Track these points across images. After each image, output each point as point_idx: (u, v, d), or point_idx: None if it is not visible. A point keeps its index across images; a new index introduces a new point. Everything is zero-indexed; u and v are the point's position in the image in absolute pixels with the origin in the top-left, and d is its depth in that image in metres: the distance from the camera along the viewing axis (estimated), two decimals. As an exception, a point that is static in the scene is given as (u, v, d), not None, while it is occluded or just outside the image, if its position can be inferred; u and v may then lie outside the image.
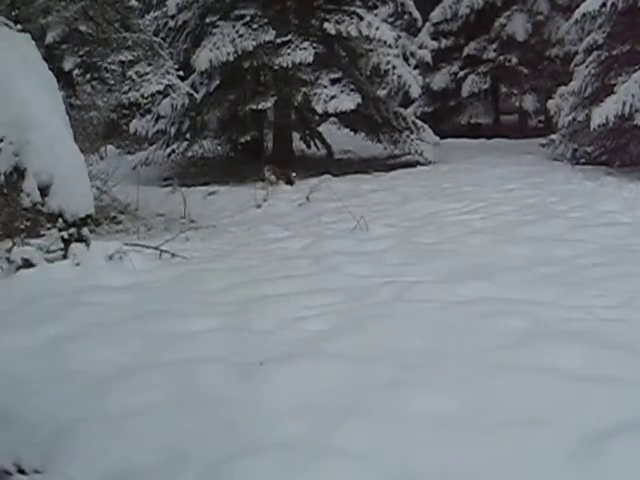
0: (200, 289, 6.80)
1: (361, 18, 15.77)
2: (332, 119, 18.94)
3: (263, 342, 5.09)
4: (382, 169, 16.81)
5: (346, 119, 17.69)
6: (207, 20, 16.67)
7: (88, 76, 15.54)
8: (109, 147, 21.19)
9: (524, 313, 5.44)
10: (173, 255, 8.60)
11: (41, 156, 2.38)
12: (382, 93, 18.47)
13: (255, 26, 15.91)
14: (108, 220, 12.34)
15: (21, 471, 2.71)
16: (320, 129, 19.49)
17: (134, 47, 10.77)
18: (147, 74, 10.96)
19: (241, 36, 15.74)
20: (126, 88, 10.91)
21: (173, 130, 16.87)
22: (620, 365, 4.31)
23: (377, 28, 15.61)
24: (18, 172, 2.37)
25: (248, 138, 17.16)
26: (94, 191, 12.28)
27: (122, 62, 10.67)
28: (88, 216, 2.35)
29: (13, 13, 11.19)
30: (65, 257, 8.10)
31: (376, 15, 16.71)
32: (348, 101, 15.65)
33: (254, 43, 15.69)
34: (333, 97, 15.73)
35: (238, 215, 12.73)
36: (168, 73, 11.12)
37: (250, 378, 4.39)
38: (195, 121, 17.03)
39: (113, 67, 12.30)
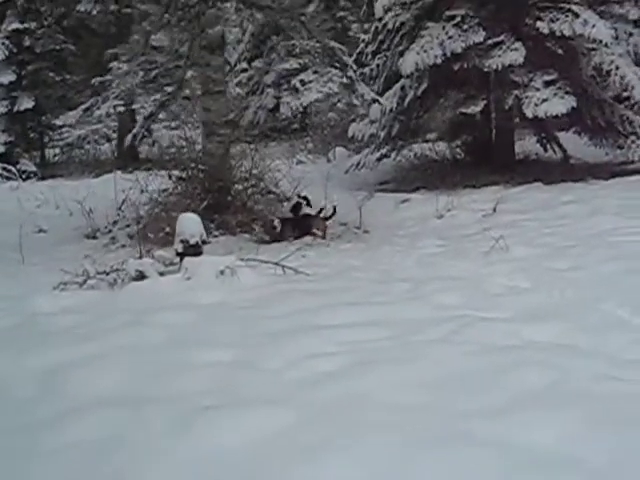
0: (269, 313, 6.59)
1: (577, 15, 14.65)
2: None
3: (251, 383, 4.83)
4: (603, 177, 15.53)
5: (568, 122, 16.63)
6: (421, 22, 16.30)
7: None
8: (340, 149, 21.53)
9: (559, 367, 4.74)
10: (297, 272, 8.47)
11: None
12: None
13: (465, 27, 15.33)
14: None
15: None
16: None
17: (300, 55, 10.72)
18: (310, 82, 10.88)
19: (450, 37, 15.23)
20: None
21: (382, 134, 16.71)
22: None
23: (593, 26, 14.44)
24: None
25: (458, 142, 16.67)
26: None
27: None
28: None
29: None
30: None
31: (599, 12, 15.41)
32: (560, 105, 14.63)
33: (463, 45, 15.13)
34: (544, 100, 14.77)
35: (418, 226, 12.34)
36: (331, 81, 10.96)
37: (192, 421, 4.17)
38: (406, 125, 16.76)
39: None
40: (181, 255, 8.30)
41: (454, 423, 3.99)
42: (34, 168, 24.38)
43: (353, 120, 18.58)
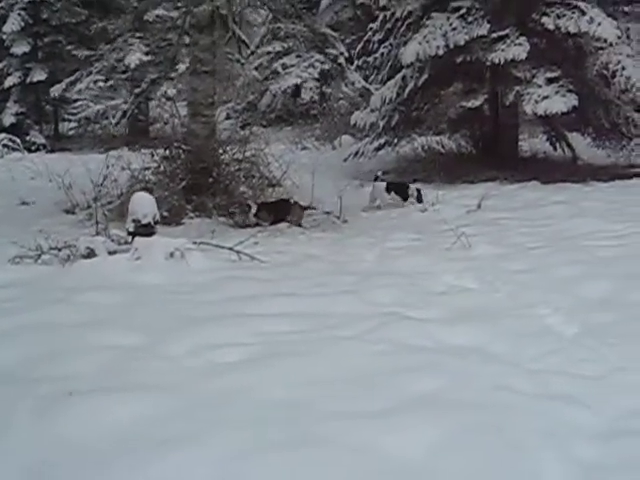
0: (202, 299, 6.46)
1: (583, 13, 14.30)
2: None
3: (141, 369, 4.70)
4: (604, 179, 15.15)
5: (570, 121, 16.30)
6: (429, 12, 16.00)
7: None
8: (347, 137, 21.34)
9: (460, 373, 4.57)
10: (252, 258, 8.31)
11: None
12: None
13: (470, 19, 15.04)
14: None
15: None
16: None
17: (284, 39, 10.52)
18: (292, 66, 10.68)
19: (454, 29, 14.95)
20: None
21: (382, 123, 16.47)
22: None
23: (599, 24, 14.07)
24: None
25: (458, 136, 16.44)
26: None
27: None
28: None
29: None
30: (134, 250, 8.11)
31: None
32: (560, 103, 14.27)
33: (467, 37, 14.85)
34: (545, 97, 14.44)
35: (399, 219, 12.08)
36: (312, 66, 10.76)
37: (62, 405, 4.07)
38: (407, 115, 16.51)
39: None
40: (133, 235, 8.18)
41: (322, 424, 3.84)
42: (43, 140, 24.40)
43: (358, 108, 18.40)
